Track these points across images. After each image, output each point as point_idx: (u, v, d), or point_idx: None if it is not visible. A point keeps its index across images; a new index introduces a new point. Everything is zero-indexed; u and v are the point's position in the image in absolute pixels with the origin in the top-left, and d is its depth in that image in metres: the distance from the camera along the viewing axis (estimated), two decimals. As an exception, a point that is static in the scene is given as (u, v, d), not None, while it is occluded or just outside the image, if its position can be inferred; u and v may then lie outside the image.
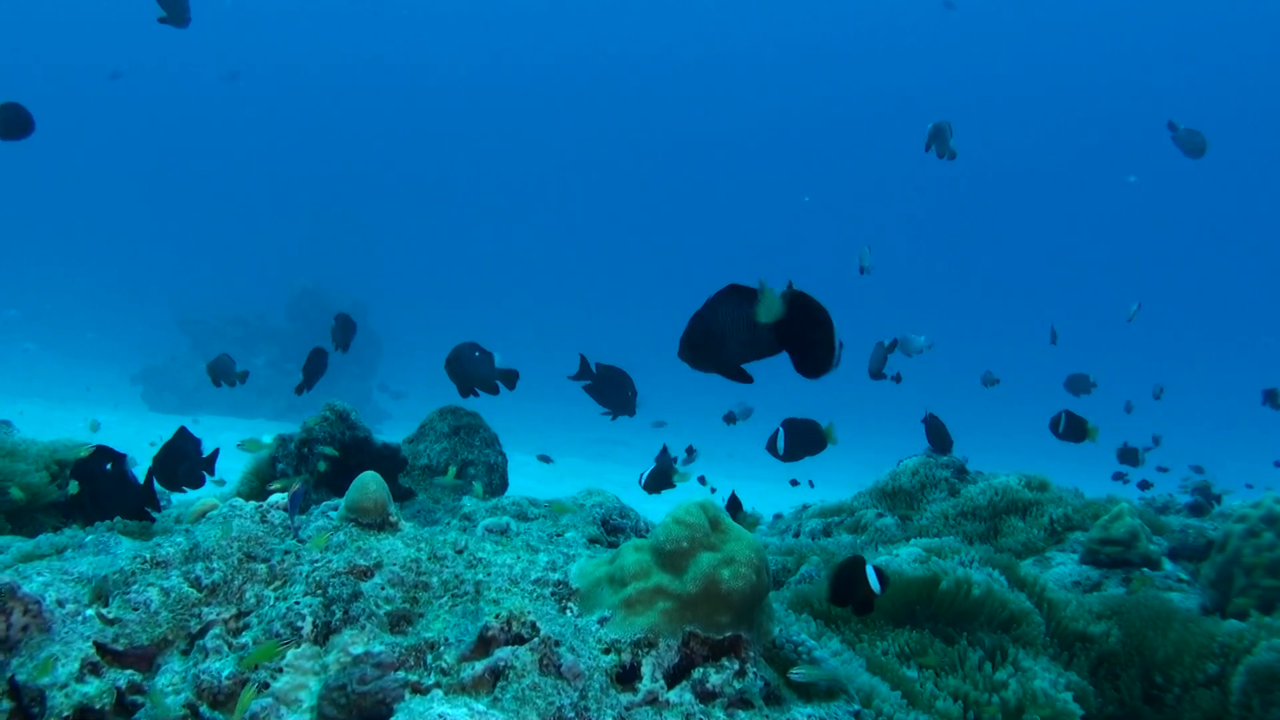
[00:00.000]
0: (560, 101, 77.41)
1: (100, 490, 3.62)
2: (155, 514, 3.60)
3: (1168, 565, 5.55)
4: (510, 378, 6.07)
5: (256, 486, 5.59)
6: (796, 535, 7.28)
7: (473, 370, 5.96)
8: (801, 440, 5.26)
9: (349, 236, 64.30)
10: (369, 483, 2.66)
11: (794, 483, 12.52)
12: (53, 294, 47.51)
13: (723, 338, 2.95)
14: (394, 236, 71.58)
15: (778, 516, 9.57)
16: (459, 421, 6.41)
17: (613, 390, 5.85)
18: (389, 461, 5.68)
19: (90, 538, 2.82)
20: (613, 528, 3.54)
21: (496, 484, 6.30)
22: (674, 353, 2.98)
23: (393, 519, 2.71)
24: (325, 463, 5.40)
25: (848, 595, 3.07)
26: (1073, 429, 7.43)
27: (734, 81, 76.09)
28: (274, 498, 2.75)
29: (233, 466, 6.05)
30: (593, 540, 3.40)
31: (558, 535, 3.31)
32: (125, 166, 71.32)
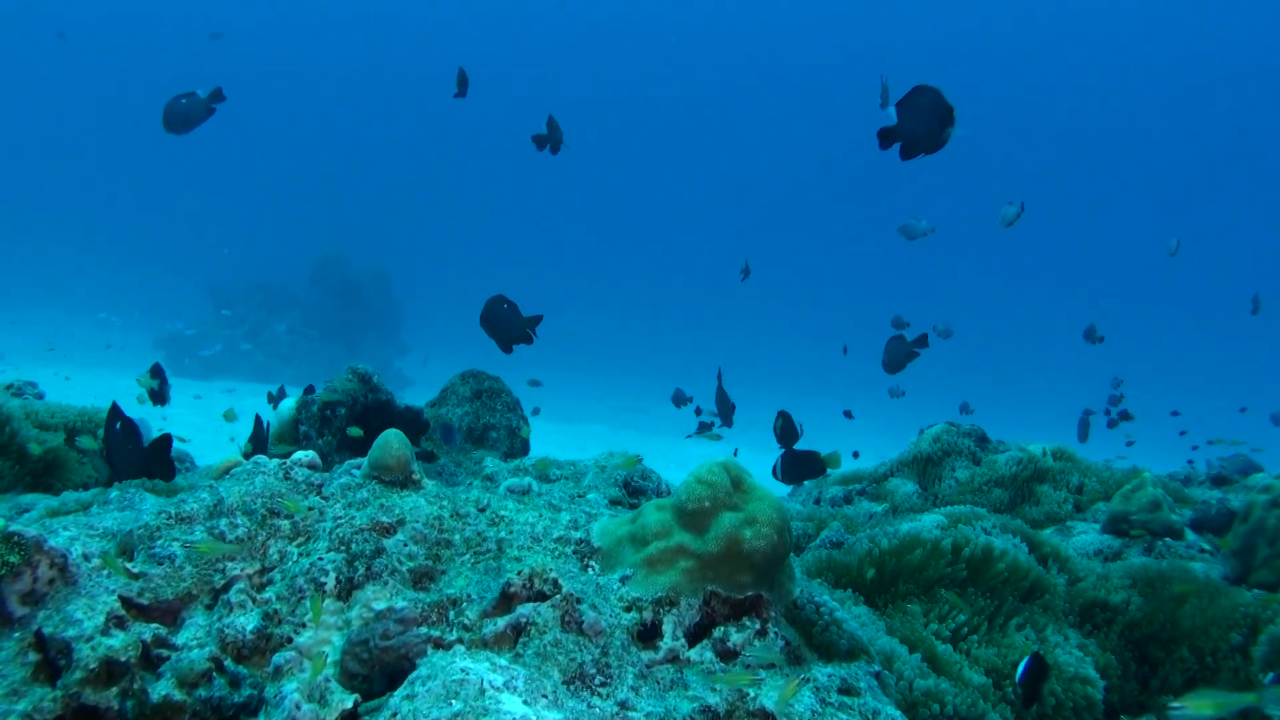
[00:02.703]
0: (581, 68, 77.14)
1: (112, 449, 3.64)
2: (163, 479, 3.59)
3: (1190, 535, 5.52)
4: (535, 322, 6.10)
5: (279, 451, 5.61)
6: (818, 502, 7.27)
7: (509, 323, 5.99)
8: (800, 469, 5.41)
9: (371, 204, 64.37)
10: (392, 441, 2.67)
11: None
12: (76, 258, 47.77)
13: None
14: (416, 203, 71.62)
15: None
16: (481, 385, 6.40)
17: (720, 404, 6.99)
18: (411, 424, 5.68)
19: (115, 493, 2.83)
20: (634, 489, 3.54)
21: (518, 448, 6.30)
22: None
23: (415, 477, 2.71)
24: (346, 417, 5.42)
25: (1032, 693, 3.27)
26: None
27: (757, 45, 75.82)
28: (297, 454, 2.75)
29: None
30: (614, 502, 3.40)
31: (579, 496, 3.31)
32: (155, 138, 71.38)
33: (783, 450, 5.78)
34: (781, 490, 8.12)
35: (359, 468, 3.14)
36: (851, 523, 5.38)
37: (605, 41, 76.63)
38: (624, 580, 2.43)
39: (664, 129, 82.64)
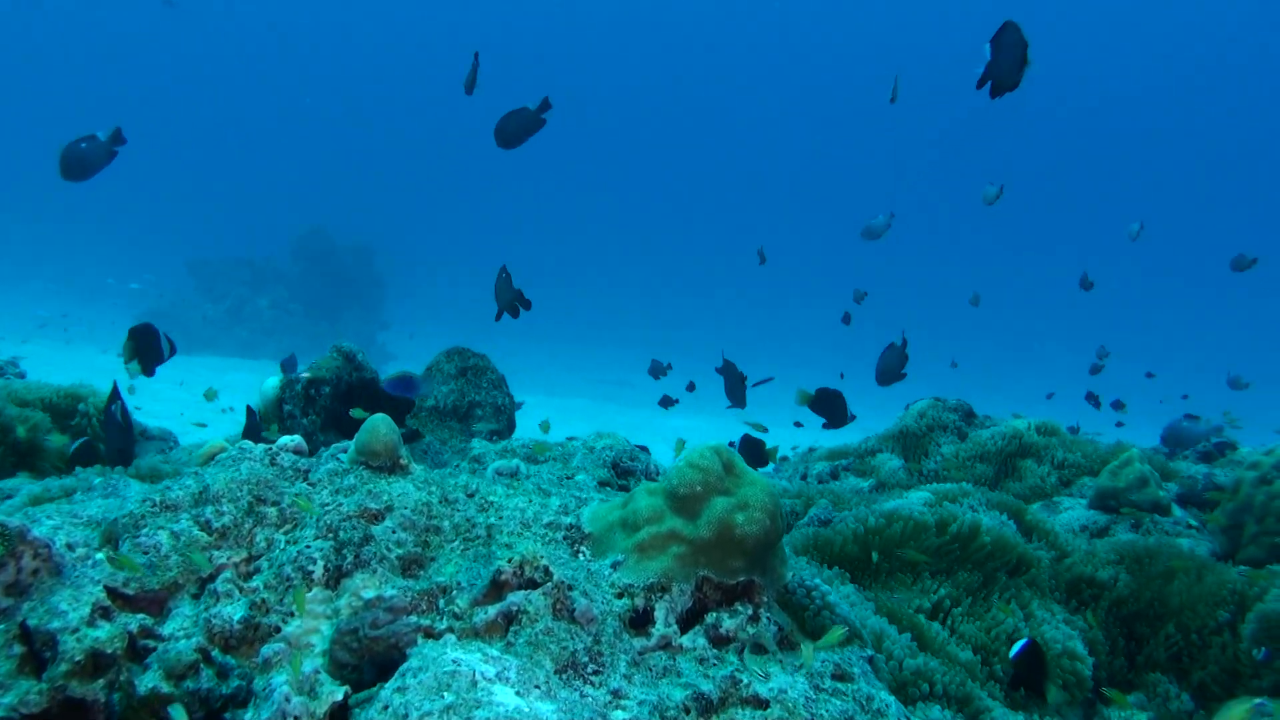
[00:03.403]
0: (570, 45, 76.88)
1: (108, 433, 3.59)
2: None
3: (1177, 511, 5.53)
4: (522, 297, 6.13)
5: (257, 414, 5.58)
6: (804, 478, 7.27)
7: (503, 293, 6.02)
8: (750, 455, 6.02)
9: (355, 179, 64.17)
10: (379, 425, 2.63)
11: (798, 424, 12.56)
12: (57, 232, 47.47)
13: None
14: (399, 179, 71.40)
15: (783, 459, 9.56)
16: (466, 363, 6.37)
17: (733, 384, 7.11)
18: (397, 403, 5.66)
19: (99, 480, 2.80)
20: (623, 470, 3.52)
21: (504, 425, 6.27)
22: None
23: (403, 462, 2.69)
24: (331, 395, 5.39)
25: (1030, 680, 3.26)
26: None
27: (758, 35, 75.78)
28: (283, 440, 2.72)
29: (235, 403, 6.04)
30: (603, 483, 3.38)
31: (568, 478, 3.29)
32: (133, 110, 70.95)
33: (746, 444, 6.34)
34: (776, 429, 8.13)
35: (345, 451, 3.11)
36: (839, 499, 5.36)
37: (584, 18, 76.32)
38: (615, 566, 2.41)
39: (643, 103, 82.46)
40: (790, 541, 4.26)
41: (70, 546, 2.38)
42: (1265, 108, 65.46)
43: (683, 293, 65.56)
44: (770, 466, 8.65)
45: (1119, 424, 12.78)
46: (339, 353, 5.52)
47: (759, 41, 77.17)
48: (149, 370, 4.78)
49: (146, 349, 4.76)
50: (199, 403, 21.61)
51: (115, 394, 3.83)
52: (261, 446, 2.67)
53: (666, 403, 11.61)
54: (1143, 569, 4.58)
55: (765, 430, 6.05)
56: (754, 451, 6.66)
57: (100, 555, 2.39)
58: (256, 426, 4.80)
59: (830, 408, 7.20)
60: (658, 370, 11.66)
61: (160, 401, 20.60)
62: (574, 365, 37.61)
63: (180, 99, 72.39)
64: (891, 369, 8.26)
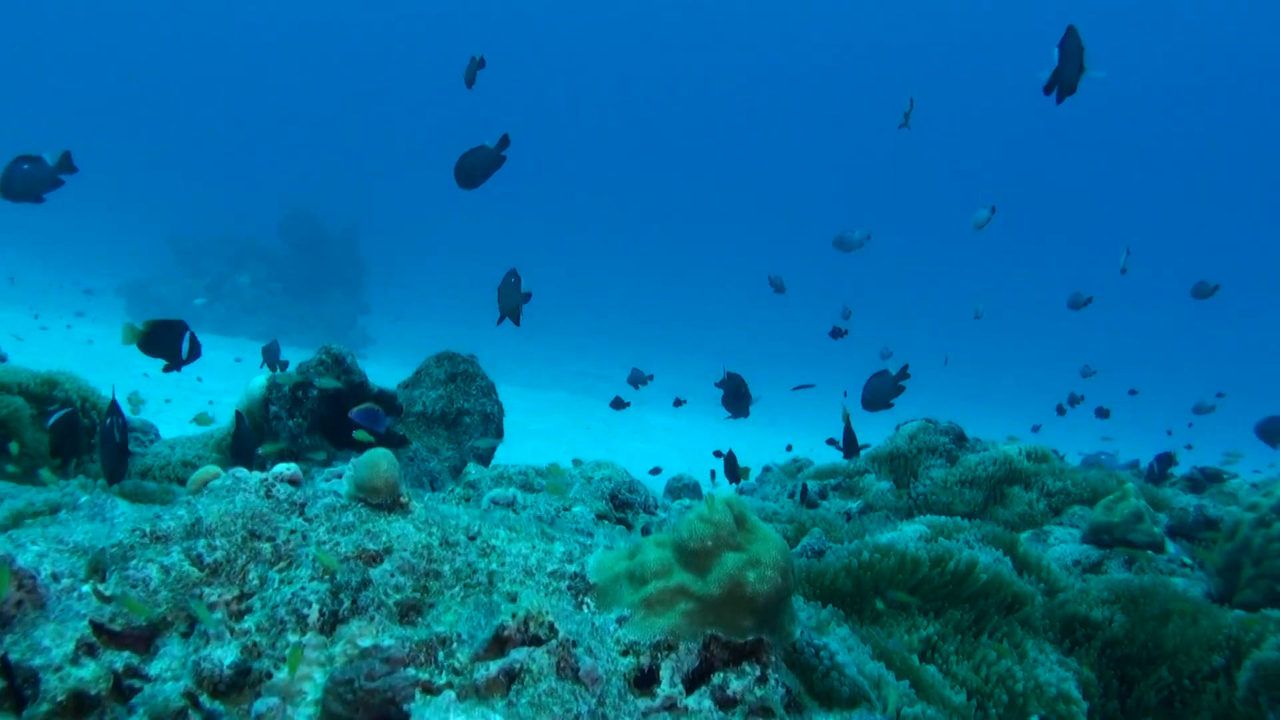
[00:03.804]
0: (557, 31, 76.74)
1: (102, 447, 3.46)
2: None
3: (1171, 547, 5.49)
4: (525, 299, 6.10)
5: (246, 420, 5.48)
6: (792, 495, 7.20)
7: (510, 297, 5.99)
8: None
9: (341, 160, 63.91)
10: (379, 461, 2.54)
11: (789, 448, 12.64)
12: (44, 212, 47.04)
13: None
14: (386, 159, 71.16)
15: (767, 469, 9.50)
16: (456, 368, 6.29)
17: (734, 394, 7.22)
18: (385, 407, 5.57)
19: (85, 498, 2.71)
20: (621, 503, 3.44)
21: (492, 434, 6.19)
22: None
23: (403, 499, 2.60)
24: (319, 398, 5.30)
25: None
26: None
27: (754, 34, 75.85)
28: (278, 468, 2.63)
29: (223, 397, 5.94)
30: (601, 516, 3.30)
31: (565, 509, 3.21)
32: (117, 81, 70.47)
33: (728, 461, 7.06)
34: (755, 430, 8.14)
35: (340, 476, 3.02)
36: (831, 527, 5.30)
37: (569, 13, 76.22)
38: (621, 621, 2.33)
39: (632, 99, 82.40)
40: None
41: (55, 577, 2.29)
42: (1264, 114, 65.77)
43: (664, 284, 65.58)
44: (753, 478, 8.60)
45: (1106, 437, 12.79)
46: (328, 354, 5.43)
47: (757, 43, 77.21)
48: (171, 363, 4.65)
49: (165, 346, 4.63)
50: (177, 378, 21.48)
51: (114, 408, 3.71)
52: (256, 476, 2.57)
53: (619, 404, 11.74)
54: (1138, 609, 4.53)
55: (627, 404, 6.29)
56: (733, 464, 6.92)
57: (86, 588, 2.30)
58: (247, 435, 4.68)
59: (734, 396, 7.32)
60: (638, 379, 11.69)
61: (135, 377, 20.48)
62: (554, 356, 37.55)
63: (166, 77, 71.96)
64: (880, 397, 8.20)
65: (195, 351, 4.68)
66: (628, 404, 11.85)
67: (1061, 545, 5.61)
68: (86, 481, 3.22)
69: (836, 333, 11.19)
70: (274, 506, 2.51)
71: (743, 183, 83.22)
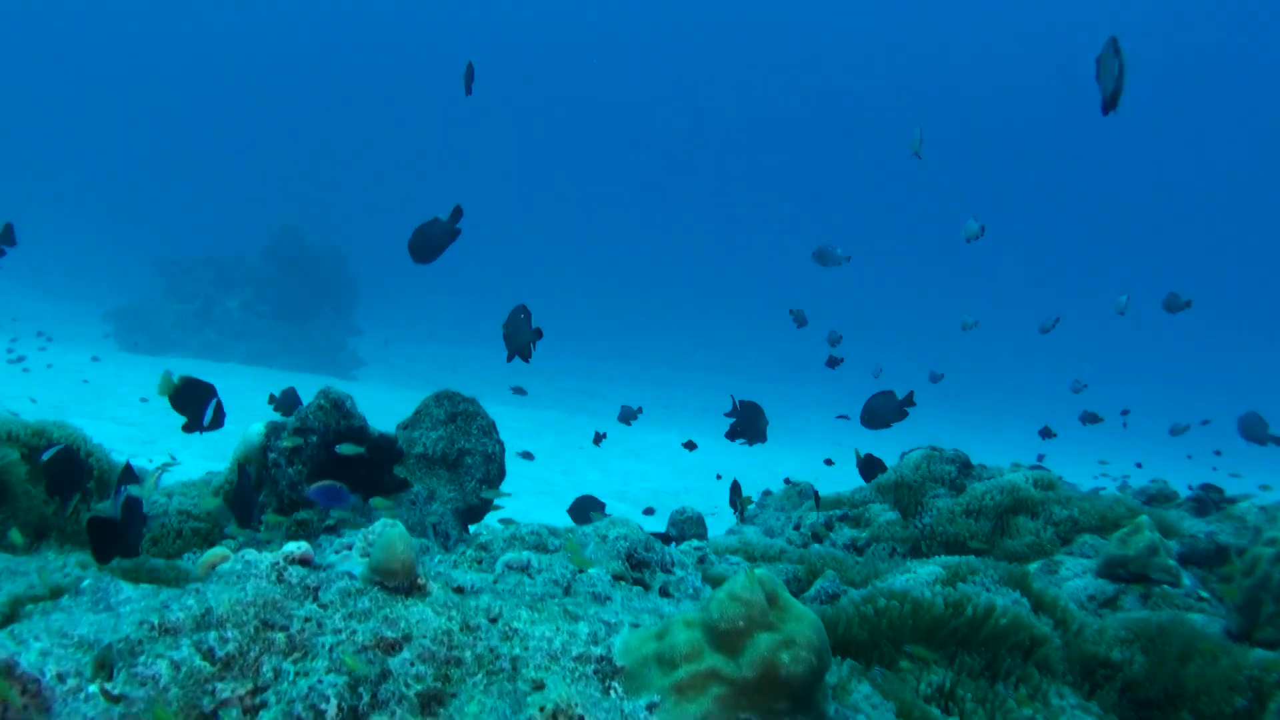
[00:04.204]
0: (541, 52, 76.84)
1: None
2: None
3: (1186, 580, 5.41)
4: (537, 336, 6.08)
5: (249, 470, 5.38)
6: (797, 528, 7.12)
7: (521, 334, 5.95)
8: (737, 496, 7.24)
9: (328, 180, 63.87)
10: (396, 543, 2.45)
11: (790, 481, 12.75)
12: (23, 230, 46.84)
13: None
14: (373, 181, 71.16)
15: (767, 494, 9.41)
16: (456, 408, 6.18)
17: (750, 421, 7.25)
18: (385, 453, 5.48)
19: (88, 582, 2.60)
20: (638, 562, 3.35)
21: (494, 474, 6.09)
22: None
23: (421, 581, 2.50)
24: (318, 445, 5.20)
25: None
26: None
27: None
28: (289, 547, 2.53)
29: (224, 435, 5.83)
30: (617, 576, 3.21)
31: (580, 572, 3.12)
32: (101, 104, 70.32)
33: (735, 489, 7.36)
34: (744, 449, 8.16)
35: (350, 547, 2.93)
36: (843, 567, 5.22)
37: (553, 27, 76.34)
38: (651, 708, 2.24)
39: (618, 113, 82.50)
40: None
41: (61, 677, 2.19)
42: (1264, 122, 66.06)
43: (652, 300, 65.58)
44: (752, 507, 8.52)
45: (1102, 460, 12.77)
46: (327, 399, 5.32)
47: (755, 44, 77.41)
48: (191, 425, 4.56)
49: (191, 407, 4.54)
50: (164, 411, 21.26)
51: (128, 473, 3.57)
52: (267, 559, 2.48)
53: (598, 439, 12.03)
54: (1157, 648, 4.45)
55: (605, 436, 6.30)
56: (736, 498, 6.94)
57: (93, 688, 2.20)
58: (248, 490, 4.58)
59: (752, 426, 7.34)
60: (628, 415, 11.76)
61: (124, 406, 20.33)
62: (542, 369, 37.44)
63: (152, 100, 71.81)
64: (879, 416, 8.13)
65: (218, 420, 4.61)
66: (605, 434, 11.94)
67: (1076, 580, 5.52)
68: (85, 558, 3.11)
69: (832, 362, 11.16)
70: (287, 592, 2.41)
71: (727, 201, 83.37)
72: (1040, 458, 15.68)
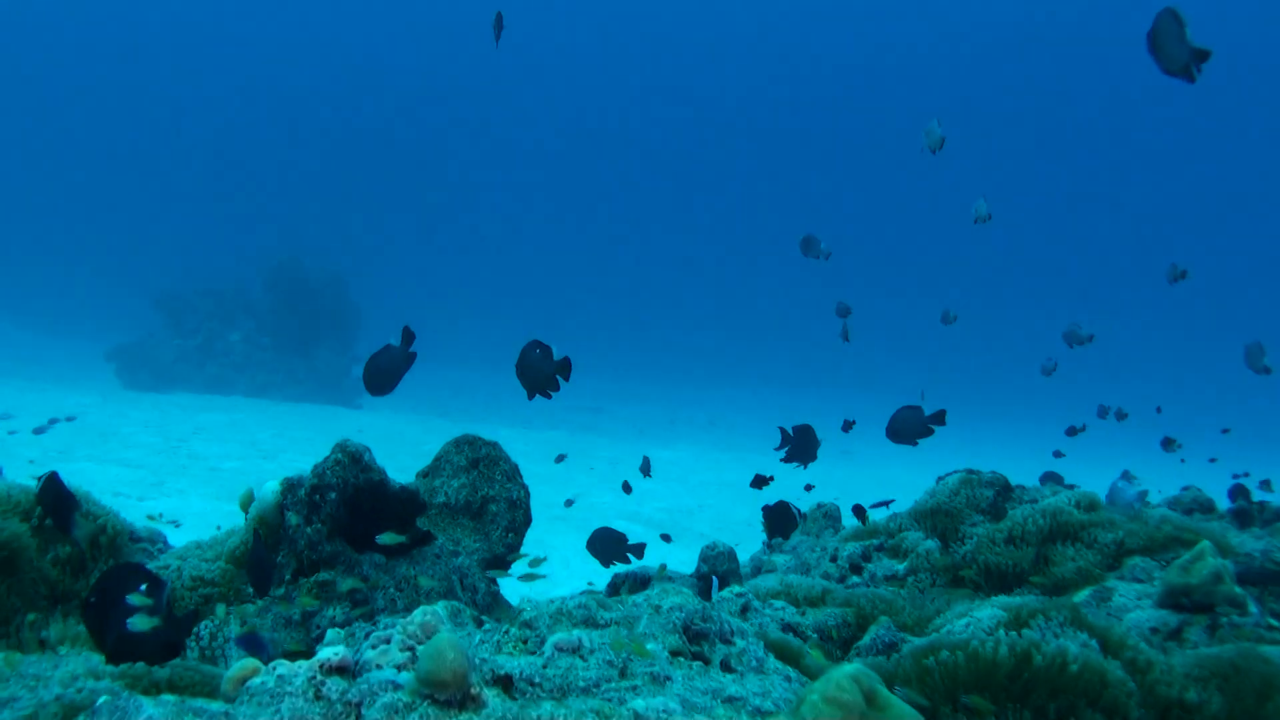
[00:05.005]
0: (539, 73, 76.82)
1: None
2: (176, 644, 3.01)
3: (1253, 608, 5.16)
4: (566, 368, 5.81)
5: (263, 534, 5.14)
6: (834, 559, 6.87)
7: (540, 369, 5.69)
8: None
9: (327, 209, 63.83)
10: (445, 650, 2.19)
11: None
12: (22, 269, 46.69)
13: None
14: (374, 208, 71.14)
15: (801, 514, 9.14)
16: (477, 454, 5.95)
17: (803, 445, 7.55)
18: (408, 506, 5.23)
19: (104, 699, 2.35)
20: (695, 634, 3.11)
21: (520, 521, 5.86)
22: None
23: (474, 691, 2.25)
24: (337, 501, 4.97)
25: None
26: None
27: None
28: (324, 654, 2.29)
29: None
30: (675, 652, 2.97)
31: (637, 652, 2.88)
32: (97, 139, 70.22)
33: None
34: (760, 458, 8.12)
35: (388, 641, 2.68)
36: (894, 610, 4.97)
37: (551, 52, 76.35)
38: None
39: (617, 125, 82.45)
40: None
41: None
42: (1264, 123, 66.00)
43: (652, 313, 65.42)
44: (797, 533, 8.26)
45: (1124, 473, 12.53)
46: (344, 453, 5.08)
47: (753, 44, 77.40)
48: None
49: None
50: (174, 446, 21.09)
51: (143, 575, 3.28)
52: (303, 674, 2.23)
53: (646, 467, 12.24)
54: (1232, 686, 4.21)
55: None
56: (782, 517, 6.90)
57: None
58: (265, 558, 4.33)
59: (804, 446, 7.24)
60: (647, 468, 11.94)
61: (130, 447, 20.07)
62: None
63: (151, 129, 71.74)
64: (906, 429, 7.87)
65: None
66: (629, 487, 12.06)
67: (1136, 611, 5.27)
68: (99, 667, 2.85)
69: (847, 425, 11.13)
70: (326, 712, 2.16)
71: (730, 213, 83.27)
72: (1057, 454, 15.51)
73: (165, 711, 2.30)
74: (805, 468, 7.48)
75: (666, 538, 12.71)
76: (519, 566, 5.80)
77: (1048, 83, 71.52)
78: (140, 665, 2.75)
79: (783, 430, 7.41)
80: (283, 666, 2.26)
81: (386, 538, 4.75)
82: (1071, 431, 14.08)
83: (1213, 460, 15.30)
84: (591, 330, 55.98)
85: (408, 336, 5.83)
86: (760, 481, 8.51)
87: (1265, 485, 13.22)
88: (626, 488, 11.87)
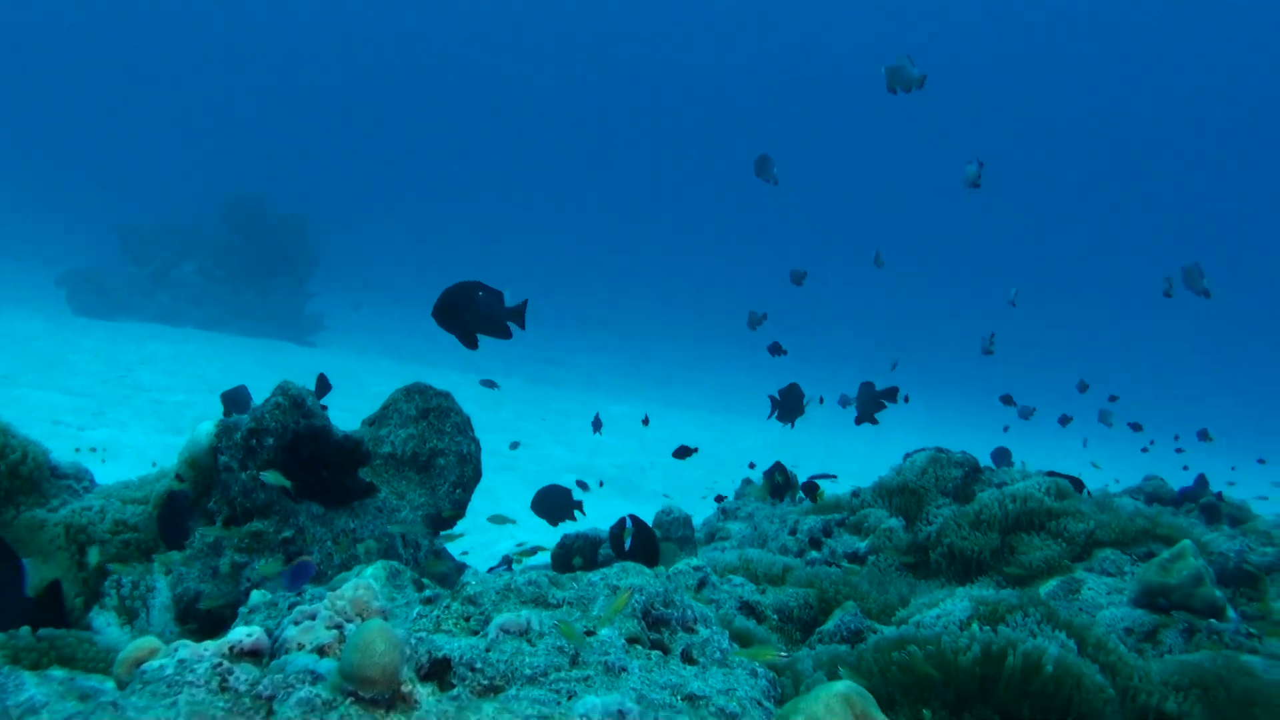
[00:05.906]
0: (494, 26, 76.06)
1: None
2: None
3: (1232, 613, 4.94)
4: (520, 314, 5.32)
5: (194, 478, 4.81)
6: (793, 533, 6.62)
7: (483, 312, 5.17)
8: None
9: (289, 146, 62.94)
10: (374, 641, 1.88)
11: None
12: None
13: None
14: (335, 148, 70.30)
15: (747, 482, 8.90)
16: (428, 404, 5.64)
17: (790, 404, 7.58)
18: (350, 455, 4.91)
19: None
20: (655, 620, 2.83)
21: (469, 476, 5.56)
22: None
23: (405, 689, 1.95)
24: (275, 447, 4.65)
25: None
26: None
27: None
28: (235, 634, 1.98)
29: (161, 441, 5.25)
30: (632, 639, 2.68)
31: (589, 633, 2.60)
32: (58, 66, 68.87)
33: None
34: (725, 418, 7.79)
35: (313, 617, 2.38)
36: (859, 594, 4.72)
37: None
38: None
39: (591, 83, 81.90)
40: (814, 658, 3.61)
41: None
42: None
43: (613, 263, 65.15)
44: (752, 499, 8.01)
45: (1095, 465, 12.47)
46: (285, 396, 4.75)
47: (750, 43, 77.07)
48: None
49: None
50: (121, 375, 20.56)
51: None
52: (207, 660, 1.92)
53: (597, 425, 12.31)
54: (1214, 698, 4.00)
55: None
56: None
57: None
58: (181, 513, 4.01)
59: (791, 406, 7.18)
60: (598, 424, 12.11)
61: (76, 375, 19.55)
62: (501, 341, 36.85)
63: (112, 62, 70.47)
64: (862, 405, 7.68)
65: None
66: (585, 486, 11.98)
67: (1111, 609, 5.04)
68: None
69: (775, 350, 11.12)
70: (232, 706, 1.86)
71: (688, 170, 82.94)
72: (1005, 429, 15.45)
73: (49, 692, 1.99)
74: (792, 426, 7.52)
75: (583, 484, 12.35)
76: (466, 530, 5.52)
77: (1048, 81, 71.67)
78: (27, 634, 2.43)
79: (771, 398, 7.51)
80: (185, 649, 1.95)
81: (270, 476, 4.41)
82: (1064, 420, 13.93)
83: (1179, 450, 15.26)
84: (546, 279, 55.52)
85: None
86: (684, 452, 8.29)
87: (1203, 435, 13.15)
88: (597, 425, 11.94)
